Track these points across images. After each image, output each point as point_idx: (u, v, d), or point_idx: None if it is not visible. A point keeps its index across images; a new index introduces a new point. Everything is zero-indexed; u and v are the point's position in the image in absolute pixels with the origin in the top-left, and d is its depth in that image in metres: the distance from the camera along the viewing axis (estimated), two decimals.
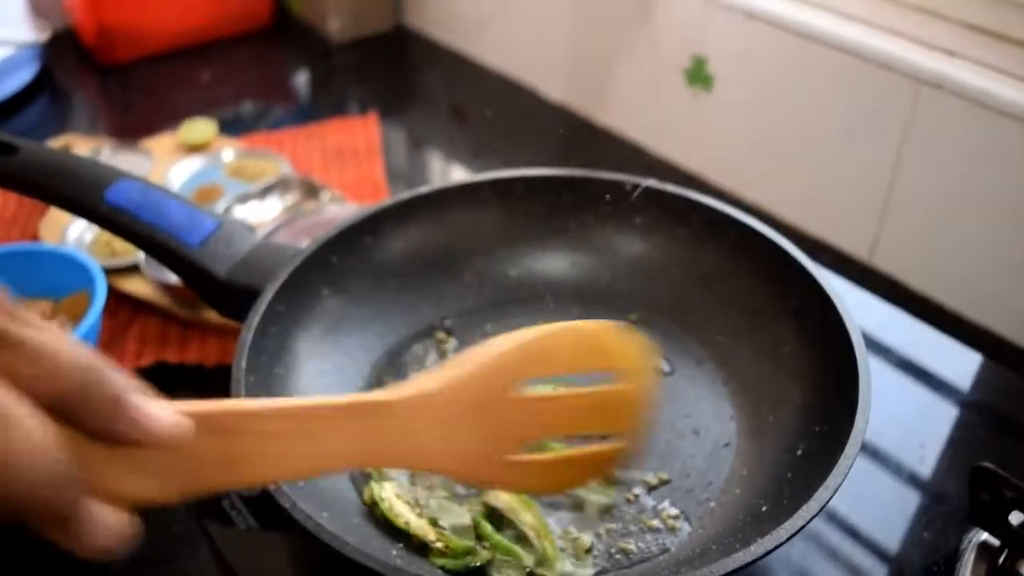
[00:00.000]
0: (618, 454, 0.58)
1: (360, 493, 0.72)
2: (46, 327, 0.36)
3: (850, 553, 0.75)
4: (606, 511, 0.71)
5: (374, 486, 0.71)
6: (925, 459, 0.83)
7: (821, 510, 0.59)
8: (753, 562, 0.56)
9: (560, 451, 0.60)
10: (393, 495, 0.70)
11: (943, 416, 0.88)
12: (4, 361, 0.35)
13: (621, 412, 0.56)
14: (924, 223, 1.04)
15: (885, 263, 1.10)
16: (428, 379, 0.52)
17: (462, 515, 0.69)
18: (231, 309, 0.79)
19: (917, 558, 0.74)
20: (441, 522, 0.68)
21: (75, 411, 0.37)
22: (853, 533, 0.76)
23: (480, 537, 0.68)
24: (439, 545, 0.66)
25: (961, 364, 0.94)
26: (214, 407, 0.45)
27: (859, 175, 1.08)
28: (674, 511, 0.72)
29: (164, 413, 0.40)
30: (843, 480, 0.61)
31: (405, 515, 0.68)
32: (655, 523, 0.71)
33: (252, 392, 0.69)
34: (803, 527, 0.58)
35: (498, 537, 0.67)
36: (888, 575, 0.73)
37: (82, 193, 0.77)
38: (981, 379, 0.92)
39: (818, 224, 1.15)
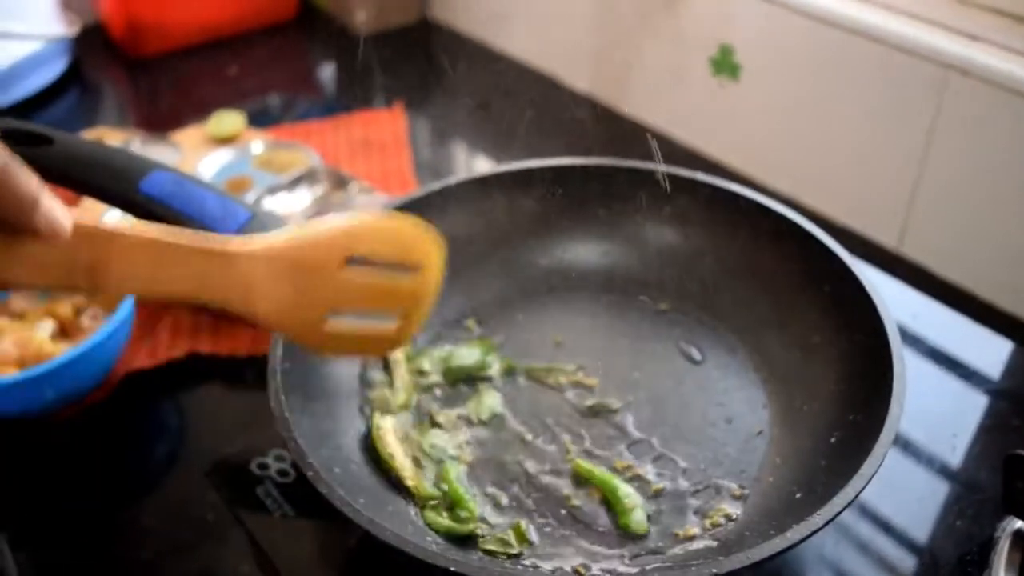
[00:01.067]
0: (399, 333, 0.63)
1: (390, 483, 0.72)
2: None
3: (882, 544, 0.74)
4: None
5: (376, 416, 0.75)
6: (957, 448, 0.82)
7: (856, 497, 0.59)
8: (789, 548, 0.56)
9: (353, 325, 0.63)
10: (389, 427, 0.73)
11: (975, 405, 0.87)
12: None
13: (409, 299, 0.62)
14: (953, 210, 1.03)
15: (914, 251, 1.09)
16: (273, 237, 0.59)
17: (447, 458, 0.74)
18: None
19: (950, 548, 0.74)
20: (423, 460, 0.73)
21: None
22: (885, 524, 0.76)
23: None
24: (411, 484, 0.71)
25: (992, 352, 0.93)
26: (90, 222, 0.53)
27: (887, 163, 1.08)
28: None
29: (63, 211, 0.49)
30: (879, 468, 0.61)
31: (393, 448, 0.73)
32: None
33: (288, 381, 0.70)
34: (839, 513, 0.58)
35: (457, 485, 0.71)
36: (921, 565, 0.73)
37: (117, 183, 0.78)
38: (1013, 367, 0.92)
39: (846, 212, 1.14)
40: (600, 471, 0.73)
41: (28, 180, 0.47)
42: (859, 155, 1.10)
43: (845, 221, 1.15)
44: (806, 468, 0.70)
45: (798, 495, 0.67)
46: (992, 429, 0.85)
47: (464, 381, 0.83)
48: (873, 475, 0.60)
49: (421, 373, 0.83)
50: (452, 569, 0.55)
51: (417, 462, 0.73)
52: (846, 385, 0.74)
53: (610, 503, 0.72)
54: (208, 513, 0.78)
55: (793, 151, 1.17)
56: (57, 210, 0.49)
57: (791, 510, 0.66)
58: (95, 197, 0.80)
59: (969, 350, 0.93)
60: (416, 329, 0.63)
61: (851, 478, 0.60)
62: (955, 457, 0.82)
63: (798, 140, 1.16)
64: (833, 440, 0.70)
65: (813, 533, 0.57)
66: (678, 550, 0.66)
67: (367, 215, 0.61)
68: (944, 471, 0.81)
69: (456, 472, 0.73)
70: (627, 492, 0.72)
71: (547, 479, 0.74)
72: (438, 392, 0.82)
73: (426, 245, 0.61)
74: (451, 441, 0.76)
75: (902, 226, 1.09)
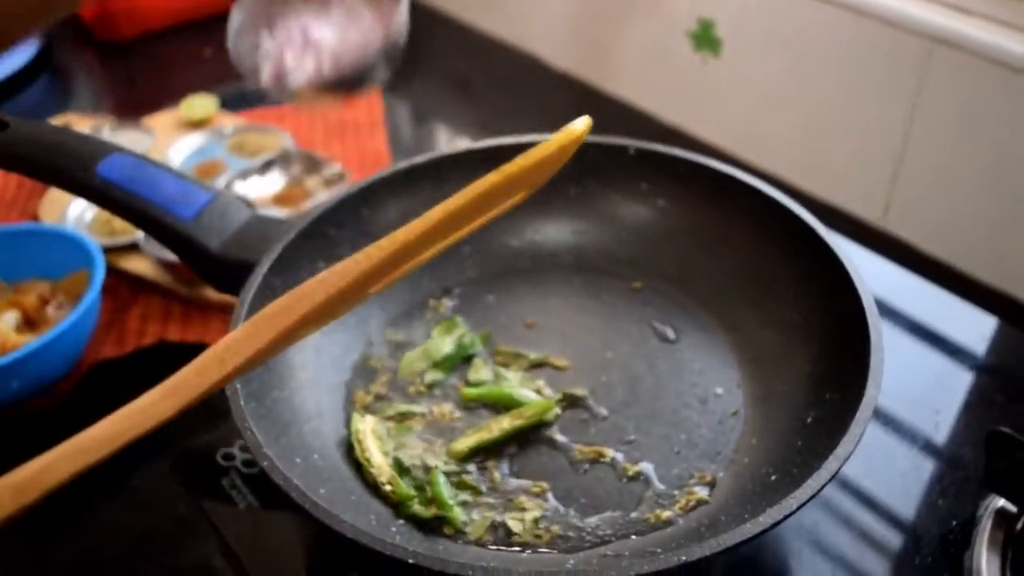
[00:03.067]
0: None
1: (359, 472, 0.71)
2: None
3: (865, 521, 0.73)
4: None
5: (356, 417, 0.72)
6: (940, 425, 0.81)
7: (831, 479, 0.57)
8: (762, 533, 0.54)
9: None
10: (369, 429, 0.71)
11: (958, 381, 0.86)
12: None
13: None
14: (937, 185, 1.02)
15: (898, 227, 1.08)
16: None
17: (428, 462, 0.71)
18: (227, 284, 0.78)
19: (933, 526, 0.72)
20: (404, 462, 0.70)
21: None
22: (867, 501, 0.74)
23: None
24: (388, 488, 0.67)
25: (976, 328, 0.91)
26: None
27: (871, 137, 1.06)
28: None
29: None
30: (854, 448, 0.58)
31: (371, 450, 0.70)
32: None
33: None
34: (813, 497, 0.56)
35: (440, 489, 0.68)
36: (903, 543, 0.71)
37: (74, 167, 0.76)
38: (996, 343, 0.90)
39: (830, 188, 1.13)
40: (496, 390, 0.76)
41: None
42: (842, 130, 1.09)
43: (828, 197, 1.13)
44: (782, 449, 0.68)
45: (773, 477, 0.65)
46: (975, 405, 0.83)
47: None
48: (848, 456, 0.58)
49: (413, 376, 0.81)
50: (411, 562, 0.53)
51: (398, 463, 0.70)
52: (823, 363, 0.72)
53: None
54: (179, 505, 0.77)
55: (775, 127, 1.16)
56: None
57: (766, 492, 0.64)
58: (52, 182, 0.78)
59: (953, 325, 0.91)
60: None
61: (826, 459, 0.58)
62: (938, 434, 0.80)
63: (781, 116, 1.14)
64: (809, 420, 0.68)
65: (787, 517, 0.54)
66: (652, 536, 0.64)
67: None
68: (927, 448, 0.79)
69: (440, 479, 0.70)
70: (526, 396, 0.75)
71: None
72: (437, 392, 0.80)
73: None
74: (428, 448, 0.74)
75: (885, 201, 1.07)
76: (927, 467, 0.77)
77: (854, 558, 0.70)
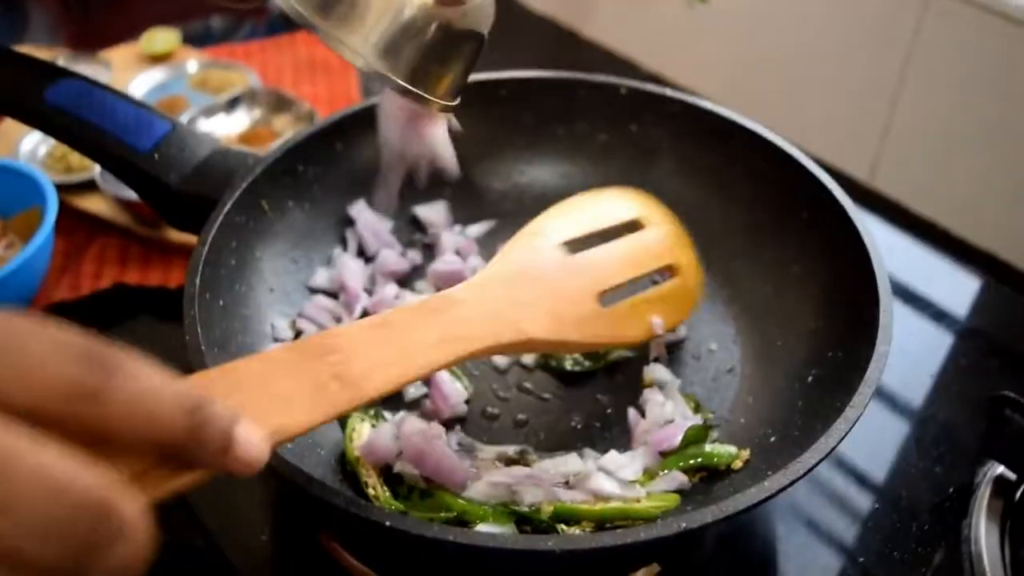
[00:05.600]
0: (684, 287, 0.69)
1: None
2: (144, 370, 0.32)
3: (855, 492, 0.69)
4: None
5: (355, 418, 0.65)
6: (933, 390, 0.77)
7: (840, 443, 0.53)
8: (766, 499, 0.50)
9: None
10: (365, 431, 0.64)
11: (949, 345, 0.82)
12: (96, 416, 0.30)
13: (665, 248, 0.70)
14: (928, 143, 0.98)
15: (886, 185, 1.04)
16: (486, 267, 0.62)
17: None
18: (187, 221, 0.72)
19: (928, 495, 0.69)
20: None
21: (183, 454, 0.33)
22: (857, 471, 0.71)
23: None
24: (371, 492, 0.60)
25: (965, 289, 0.88)
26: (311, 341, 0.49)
27: (861, 91, 1.02)
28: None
29: (258, 442, 0.36)
30: (863, 410, 0.54)
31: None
32: None
33: (208, 310, 0.62)
34: (820, 461, 0.52)
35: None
36: (897, 514, 0.67)
37: (19, 91, 0.70)
38: (985, 305, 0.87)
39: (817, 143, 1.08)
40: None
41: (219, 419, 0.34)
42: (832, 82, 1.05)
43: (815, 152, 1.08)
44: (781, 408, 0.64)
45: (772, 438, 0.61)
46: (969, 370, 0.80)
47: None
48: (858, 419, 0.54)
49: None
50: (387, 524, 0.48)
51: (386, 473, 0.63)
52: (825, 319, 0.68)
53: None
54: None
55: (764, 78, 1.11)
56: (252, 445, 0.36)
57: (765, 455, 0.60)
58: None
59: (942, 287, 0.88)
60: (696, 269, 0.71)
61: (832, 421, 0.54)
62: (930, 400, 0.77)
63: (769, 66, 1.10)
64: (810, 379, 0.64)
65: (792, 483, 0.50)
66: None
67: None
68: (919, 415, 0.75)
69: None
70: None
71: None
72: None
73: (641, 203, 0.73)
74: None
75: (874, 158, 1.04)
76: (919, 434, 0.74)
77: (846, 530, 0.67)
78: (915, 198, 1.02)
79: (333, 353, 0.48)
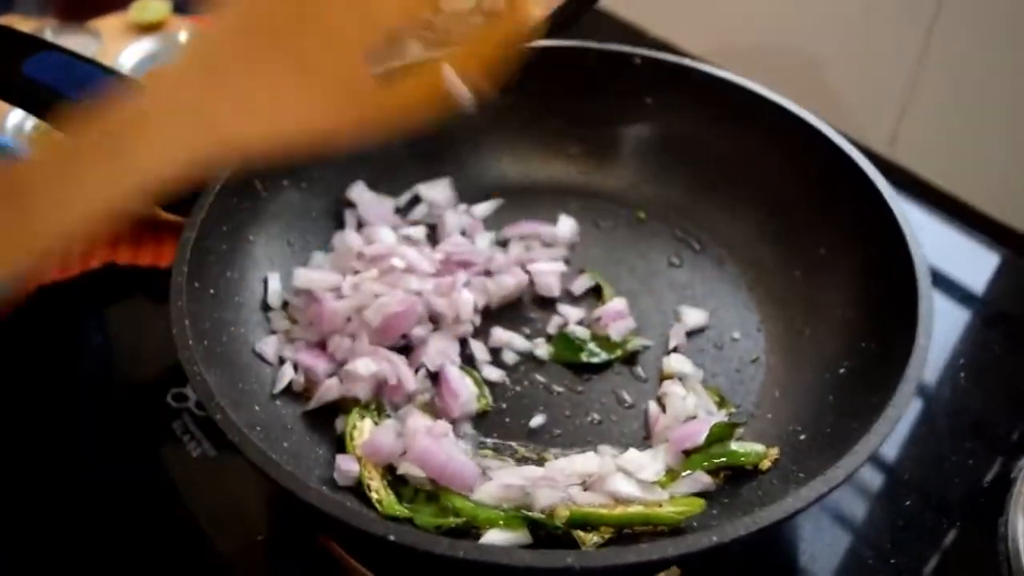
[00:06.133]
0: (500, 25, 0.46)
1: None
2: None
3: (885, 488, 0.65)
4: None
5: (355, 414, 0.61)
6: (965, 380, 0.73)
7: (882, 443, 0.49)
8: (804, 509, 0.46)
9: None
10: (367, 428, 0.60)
11: (980, 330, 0.78)
12: None
13: None
14: (949, 115, 0.94)
15: (906, 157, 1.00)
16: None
17: None
18: (175, 202, 0.68)
19: (961, 490, 0.65)
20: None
21: None
22: (888, 465, 0.67)
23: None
24: (374, 496, 0.55)
25: (989, 268, 0.84)
26: None
27: (882, 59, 0.98)
28: None
29: None
30: (906, 409, 0.50)
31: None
32: None
33: (198, 300, 0.58)
34: (860, 466, 0.48)
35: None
36: (930, 509, 0.64)
37: None
38: (1015, 284, 0.83)
39: (834, 112, 1.04)
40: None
41: None
42: (853, 50, 1.00)
43: (832, 121, 1.05)
44: (811, 403, 0.60)
45: (802, 436, 0.58)
46: (1002, 358, 0.76)
47: None
48: (899, 419, 0.50)
49: None
50: (391, 539, 0.44)
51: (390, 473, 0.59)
52: (857, 307, 0.64)
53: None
54: (124, 452, 0.68)
55: (779, 45, 1.07)
56: None
57: (795, 454, 0.57)
58: None
59: (966, 265, 0.84)
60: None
61: (870, 420, 0.50)
62: (962, 389, 0.73)
63: (785, 33, 1.06)
64: (842, 371, 0.60)
65: (832, 490, 0.47)
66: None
67: None
68: (950, 404, 0.72)
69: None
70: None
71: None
72: None
73: None
74: None
75: (894, 129, 0.99)
76: (951, 426, 0.70)
77: (876, 528, 0.63)
78: (935, 170, 0.98)
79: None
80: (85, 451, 0.69)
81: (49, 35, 1.10)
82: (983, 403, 0.72)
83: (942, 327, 0.75)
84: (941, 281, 0.82)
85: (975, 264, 0.85)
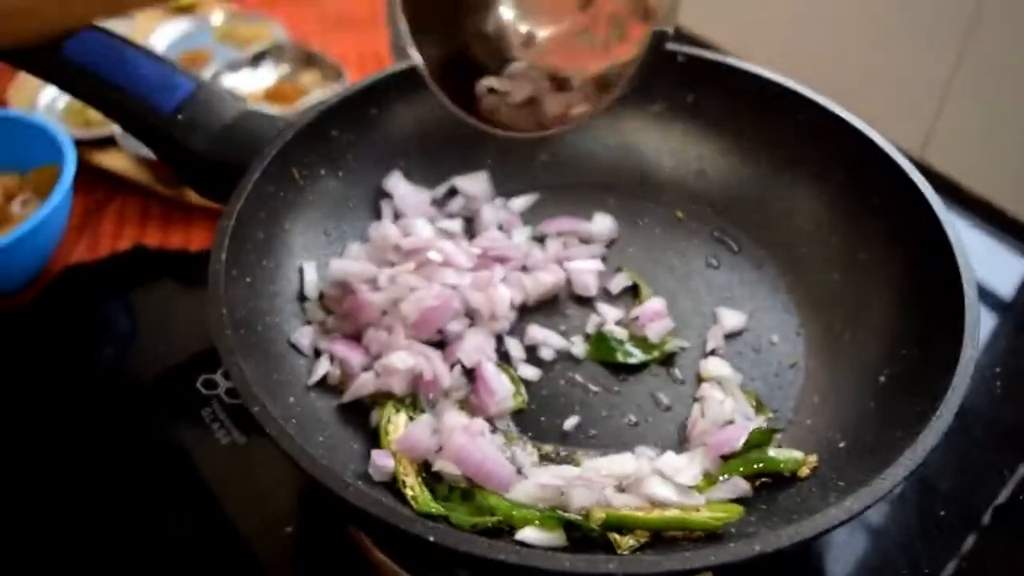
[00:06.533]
0: None
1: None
2: None
3: (918, 495, 0.65)
4: None
5: (390, 408, 0.60)
6: (996, 385, 0.72)
7: (928, 455, 0.48)
8: (848, 520, 0.45)
9: None
10: (401, 423, 0.59)
11: (1016, 338, 0.78)
12: None
13: None
14: (983, 117, 0.93)
15: (938, 160, 0.99)
16: None
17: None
18: (212, 188, 0.68)
19: (992, 498, 0.64)
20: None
21: None
22: (920, 474, 0.65)
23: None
24: (408, 492, 0.55)
25: (1019, 273, 0.83)
26: None
27: (919, 59, 0.96)
28: None
29: None
30: (952, 418, 0.50)
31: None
32: None
33: (234, 288, 0.58)
34: (907, 478, 0.47)
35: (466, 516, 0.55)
36: (955, 517, 0.63)
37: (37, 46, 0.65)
38: None
39: (866, 111, 1.03)
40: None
41: None
42: (889, 48, 0.99)
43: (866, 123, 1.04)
44: (851, 411, 0.59)
45: (842, 443, 0.57)
46: None
47: None
48: (945, 429, 0.49)
49: None
50: (431, 539, 0.44)
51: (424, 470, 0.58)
52: (899, 313, 0.63)
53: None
54: (152, 439, 0.68)
55: (813, 40, 1.06)
56: None
57: (835, 462, 0.56)
58: (12, 62, 0.67)
59: (1000, 272, 0.83)
60: None
61: (916, 430, 0.49)
62: (998, 397, 0.72)
63: (820, 27, 1.04)
64: (883, 379, 0.59)
65: (877, 501, 0.46)
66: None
67: None
68: (980, 410, 0.71)
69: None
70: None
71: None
72: None
73: None
74: None
75: (927, 130, 0.98)
76: (985, 435, 0.69)
77: (907, 535, 0.62)
78: (969, 174, 0.97)
79: None
80: (110, 437, 0.69)
81: None
82: (1017, 412, 0.71)
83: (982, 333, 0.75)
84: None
85: (1008, 269, 0.84)
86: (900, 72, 1.00)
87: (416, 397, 0.61)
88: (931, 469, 0.66)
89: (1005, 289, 0.82)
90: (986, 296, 0.80)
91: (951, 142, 0.99)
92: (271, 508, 0.63)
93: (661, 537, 0.53)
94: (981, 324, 0.74)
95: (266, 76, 1.00)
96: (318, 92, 0.96)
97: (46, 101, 0.95)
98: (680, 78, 0.77)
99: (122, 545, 0.62)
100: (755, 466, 0.57)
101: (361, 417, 0.61)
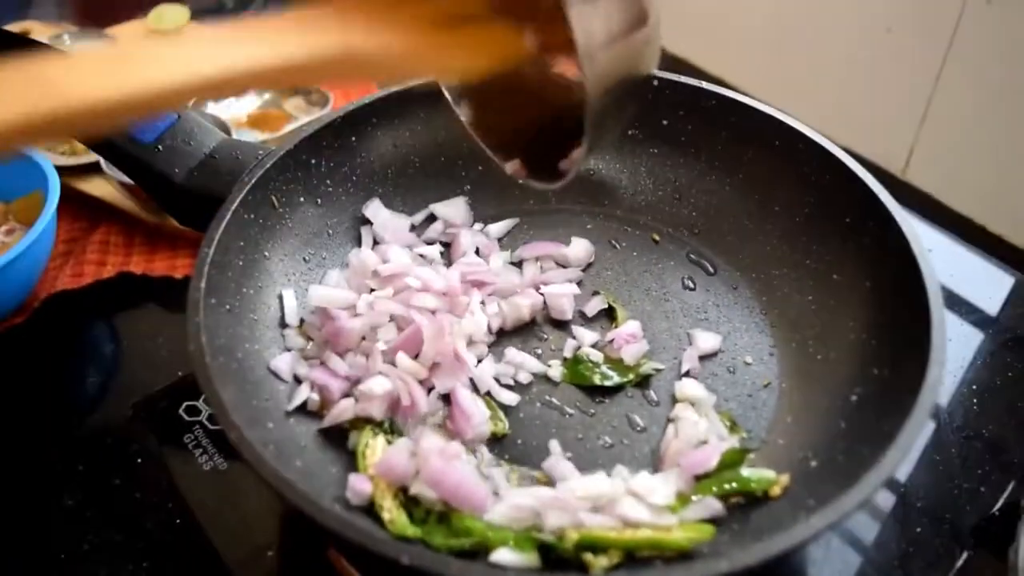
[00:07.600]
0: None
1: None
2: None
3: (893, 512, 0.66)
4: None
5: (368, 432, 0.61)
6: (975, 402, 0.73)
7: (893, 473, 0.49)
8: (813, 537, 0.46)
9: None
10: (379, 447, 0.60)
11: (996, 354, 0.78)
12: None
13: None
14: (963, 136, 0.94)
15: (920, 178, 1.00)
16: None
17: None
18: (193, 217, 0.68)
19: (971, 517, 0.65)
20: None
21: None
22: (899, 490, 0.67)
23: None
24: (386, 516, 0.55)
25: (1004, 291, 0.84)
26: None
27: (898, 79, 0.98)
28: None
29: None
30: (917, 437, 0.50)
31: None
32: None
33: (214, 316, 0.59)
34: (871, 495, 0.48)
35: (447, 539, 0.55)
36: (939, 536, 0.64)
37: None
38: None
39: (847, 132, 1.04)
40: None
41: None
42: (868, 68, 1.01)
43: (845, 142, 1.05)
44: (823, 430, 0.60)
45: (813, 463, 0.57)
46: (1017, 382, 0.75)
47: None
48: (910, 448, 0.50)
49: None
50: (404, 562, 0.45)
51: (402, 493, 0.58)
52: (870, 333, 0.64)
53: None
54: (134, 465, 0.69)
55: (793, 62, 1.07)
56: None
57: (806, 481, 0.56)
58: None
59: (981, 288, 0.84)
60: None
61: (882, 448, 0.50)
62: (976, 413, 0.73)
63: (799, 50, 1.06)
64: (854, 398, 0.60)
65: (842, 519, 0.47)
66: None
67: None
68: (962, 428, 0.72)
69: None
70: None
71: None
72: None
73: None
74: None
75: (908, 150, 1.00)
76: (964, 450, 0.70)
77: (886, 551, 0.63)
78: (949, 192, 0.99)
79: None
80: (94, 462, 0.69)
81: (67, 41, 1.11)
82: (997, 428, 0.72)
83: (956, 350, 0.76)
84: (955, 303, 0.82)
85: (989, 286, 0.85)
86: (881, 94, 1.01)
87: (394, 421, 0.62)
88: (911, 484, 0.67)
89: (989, 305, 0.82)
90: (970, 312, 0.81)
91: (932, 161, 1.01)
92: (253, 533, 0.63)
93: (634, 557, 0.53)
94: (966, 341, 0.77)
95: (250, 101, 1.01)
96: (304, 117, 0.97)
97: None
98: (655, 102, 0.78)
99: (104, 570, 0.62)
100: (728, 486, 0.57)
101: (340, 441, 0.61)
